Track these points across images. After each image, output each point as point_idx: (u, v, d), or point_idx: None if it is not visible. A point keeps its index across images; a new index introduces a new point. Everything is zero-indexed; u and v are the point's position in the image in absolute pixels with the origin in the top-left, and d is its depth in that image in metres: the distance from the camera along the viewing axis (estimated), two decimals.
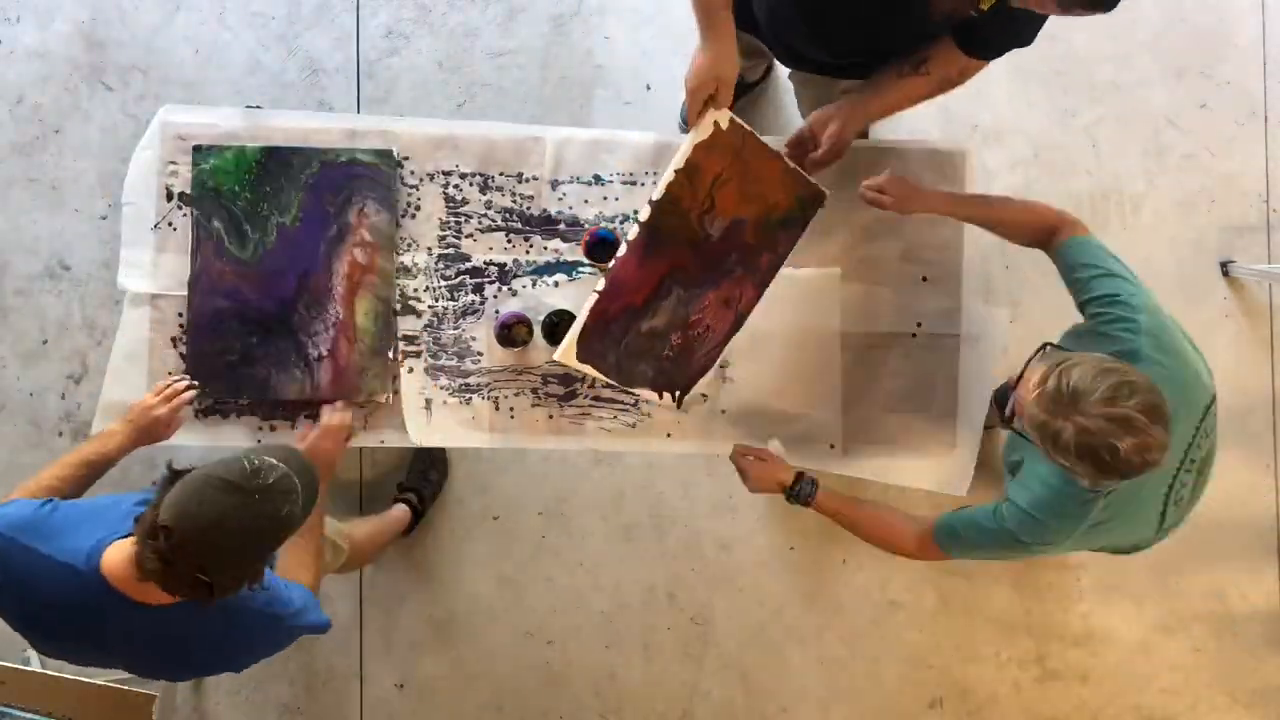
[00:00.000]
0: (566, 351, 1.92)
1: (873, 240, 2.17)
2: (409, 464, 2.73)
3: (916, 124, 2.86)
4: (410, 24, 2.88)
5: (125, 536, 1.63)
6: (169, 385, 2.04)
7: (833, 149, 1.98)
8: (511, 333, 2.09)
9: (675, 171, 1.91)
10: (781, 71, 2.72)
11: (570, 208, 2.17)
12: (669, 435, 2.17)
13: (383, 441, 2.17)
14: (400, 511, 2.65)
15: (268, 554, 1.61)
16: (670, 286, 1.98)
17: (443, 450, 2.73)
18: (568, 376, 2.15)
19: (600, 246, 2.09)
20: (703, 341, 2.04)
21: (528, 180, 2.17)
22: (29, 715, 2.07)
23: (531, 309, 2.14)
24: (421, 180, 2.17)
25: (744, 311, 2.06)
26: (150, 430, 1.99)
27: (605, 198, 2.17)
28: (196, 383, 2.08)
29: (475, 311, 2.17)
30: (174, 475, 1.55)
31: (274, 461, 1.53)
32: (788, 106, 2.79)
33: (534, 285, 2.16)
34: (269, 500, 1.50)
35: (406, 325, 2.16)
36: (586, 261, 2.15)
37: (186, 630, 1.67)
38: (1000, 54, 1.89)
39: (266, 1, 2.88)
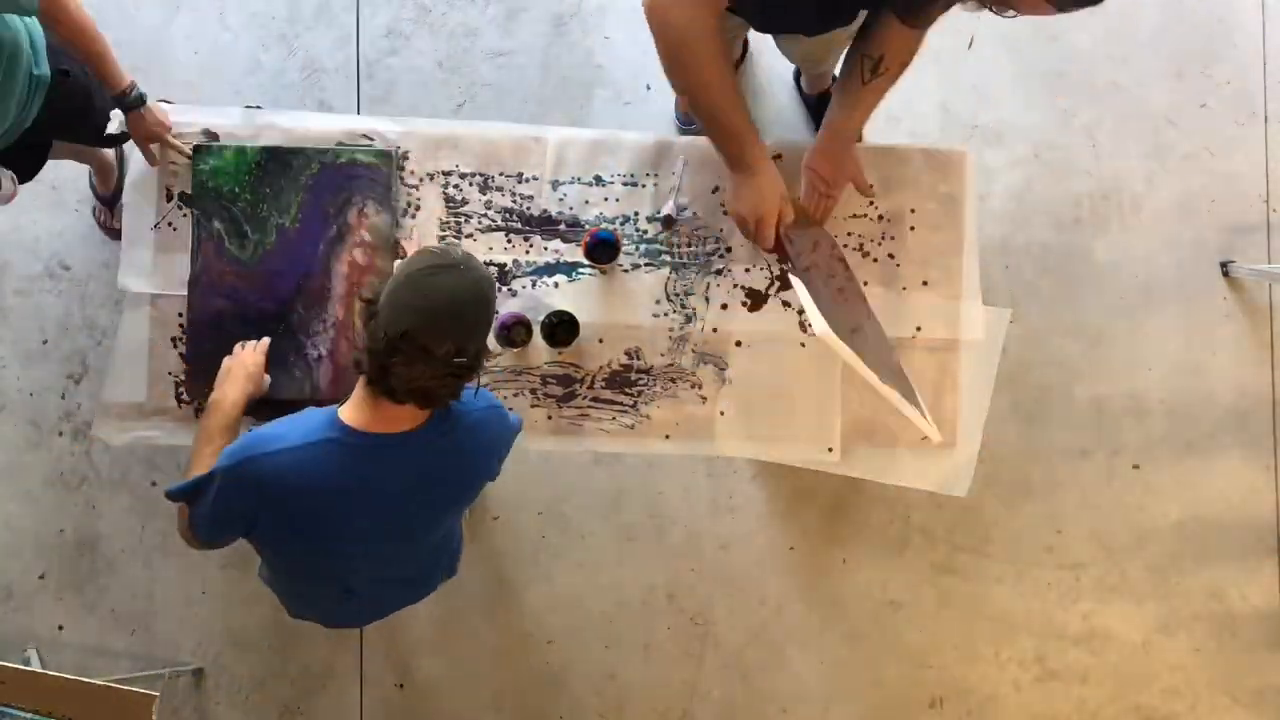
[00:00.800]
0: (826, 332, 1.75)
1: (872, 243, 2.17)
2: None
3: (916, 124, 2.87)
4: (410, 24, 2.88)
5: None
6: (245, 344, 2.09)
7: (845, 185, 2.04)
8: (511, 333, 2.09)
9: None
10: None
11: (570, 208, 2.17)
12: (668, 437, 2.17)
13: None
14: None
15: (491, 318, 1.67)
16: None
17: None
18: (567, 377, 2.16)
19: (601, 247, 2.09)
20: None
21: (528, 180, 2.17)
22: (29, 715, 2.07)
23: (531, 309, 2.14)
24: (421, 180, 2.17)
25: None
26: (257, 378, 2.02)
27: (606, 198, 2.17)
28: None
29: None
30: (369, 302, 1.64)
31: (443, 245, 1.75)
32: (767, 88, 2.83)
33: (534, 286, 2.16)
34: (472, 267, 1.62)
35: None
36: (586, 262, 2.15)
37: (442, 445, 1.74)
38: (934, 20, 1.82)
39: (266, 1, 2.88)
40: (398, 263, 1.68)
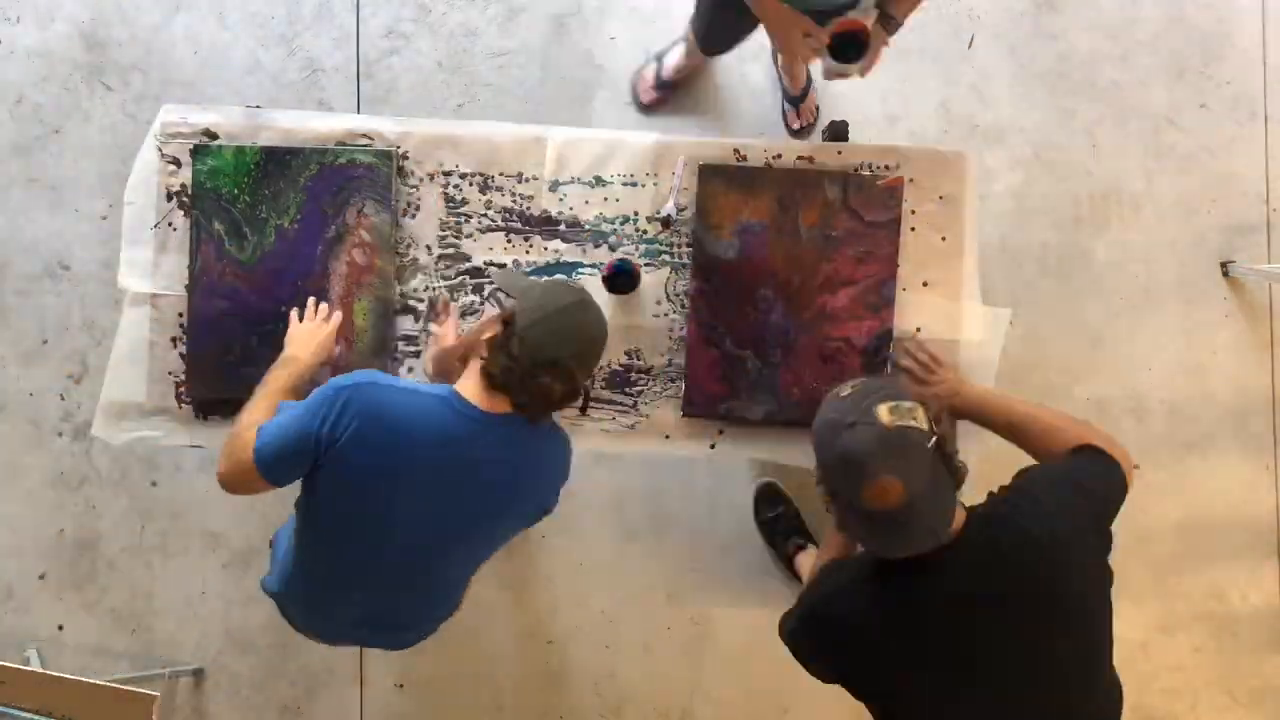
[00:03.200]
0: None
1: None
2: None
3: (916, 124, 2.87)
4: (410, 24, 2.88)
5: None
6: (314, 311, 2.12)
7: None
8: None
9: None
10: None
11: (571, 208, 2.17)
12: (668, 437, 2.17)
13: None
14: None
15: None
16: None
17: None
18: None
19: (619, 278, 2.08)
20: None
21: (528, 180, 2.17)
22: (29, 715, 2.08)
23: None
24: (421, 180, 2.17)
25: None
26: (330, 347, 2.07)
27: (606, 199, 2.17)
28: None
29: (475, 312, 2.17)
30: (507, 322, 1.77)
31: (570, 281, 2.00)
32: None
33: None
34: (598, 314, 1.81)
35: (405, 325, 2.16)
36: (586, 262, 2.15)
37: (527, 442, 1.83)
38: None
39: (266, 1, 2.88)
40: (527, 287, 1.84)
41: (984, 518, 1.64)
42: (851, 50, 1.92)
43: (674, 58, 2.77)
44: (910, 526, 1.55)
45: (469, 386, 1.80)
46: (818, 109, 2.84)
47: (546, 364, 1.73)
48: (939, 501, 1.57)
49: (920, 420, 1.54)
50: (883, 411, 1.53)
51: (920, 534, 1.57)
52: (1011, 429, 1.93)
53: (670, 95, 2.83)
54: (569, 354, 1.75)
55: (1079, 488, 1.72)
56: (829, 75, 2.00)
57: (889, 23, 1.96)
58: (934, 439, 1.54)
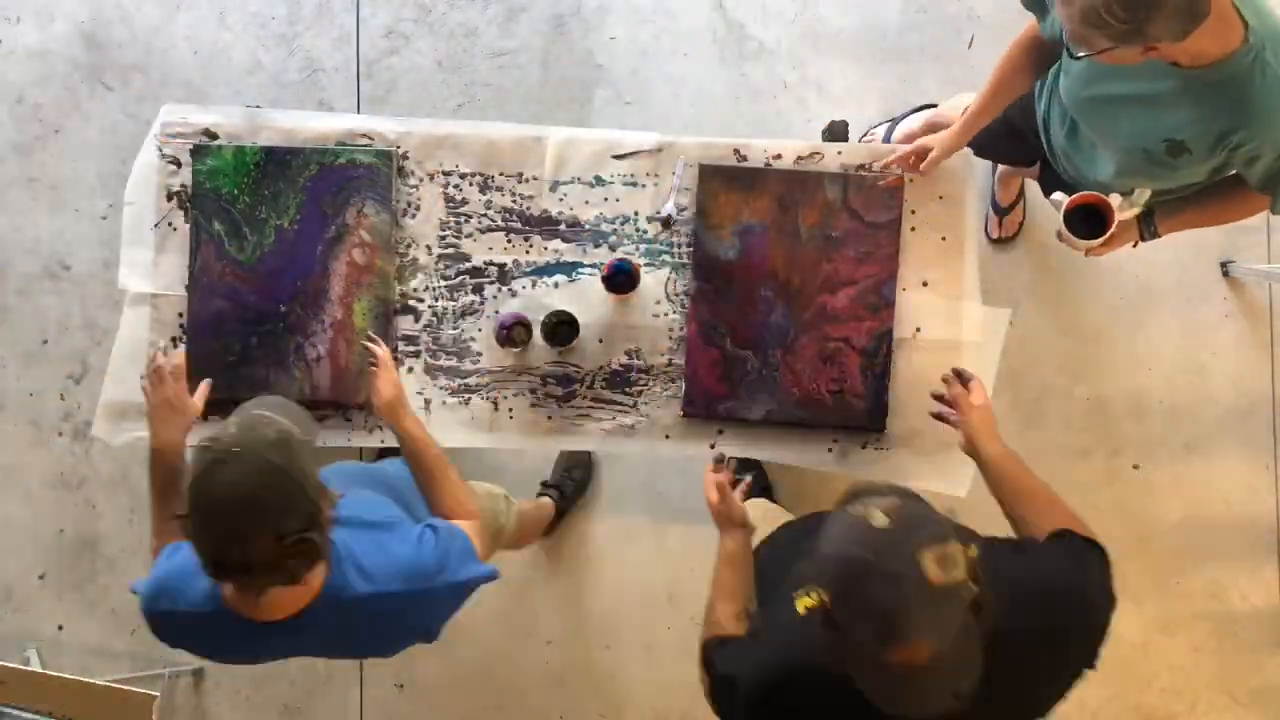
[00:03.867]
0: None
1: None
2: (555, 463, 2.74)
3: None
4: (410, 24, 2.88)
5: None
6: (151, 366, 1.91)
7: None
8: (511, 334, 2.09)
9: None
10: None
11: (571, 208, 2.17)
12: (667, 437, 2.17)
13: (383, 441, 2.17)
14: (548, 502, 2.66)
15: (301, 491, 1.44)
16: None
17: (587, 452, 2.73)
18: (567, 377, 2.16)
19: (618, 277, 2.08)
20: None
21: (528, 180, 2.17)
22: (29, 715, 2.08)
23: (531, 309, 2.14)
24: (421, 180, 2.17)
25: None
26: (184, 407, 1.86)
27: (606, 198, 2.17)
28: (163, 346, 2.04)
29: (475, 311, 2.17)
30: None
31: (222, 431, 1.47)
32: None
33: (534, 286, 2.16)
34: (251, 453, 1.42)
35: (405, 325, 2.16)
36: (586, 262, 2.15)
37: (330, 629, 1.59)
38: None
39: (266, 1, 2.88)
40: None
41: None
42: (1082, 225, 1.89)
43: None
44: (929, 687, 1.32)
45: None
46: (1021, 225, 2.77)
47: (208, 554, 1.42)
48: (965, 657, 1.33)
49: (962, 568, 1.31)
50: (929, 563, 1.28)
51: (938, 696, 1.32)
52: (1017, 496, 1.81)
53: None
54: (212, 537, 1.41)
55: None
56: (1060, 236, 1.97)
57: (1146, 228, 1.94)
58: (974, 594, 1.32)
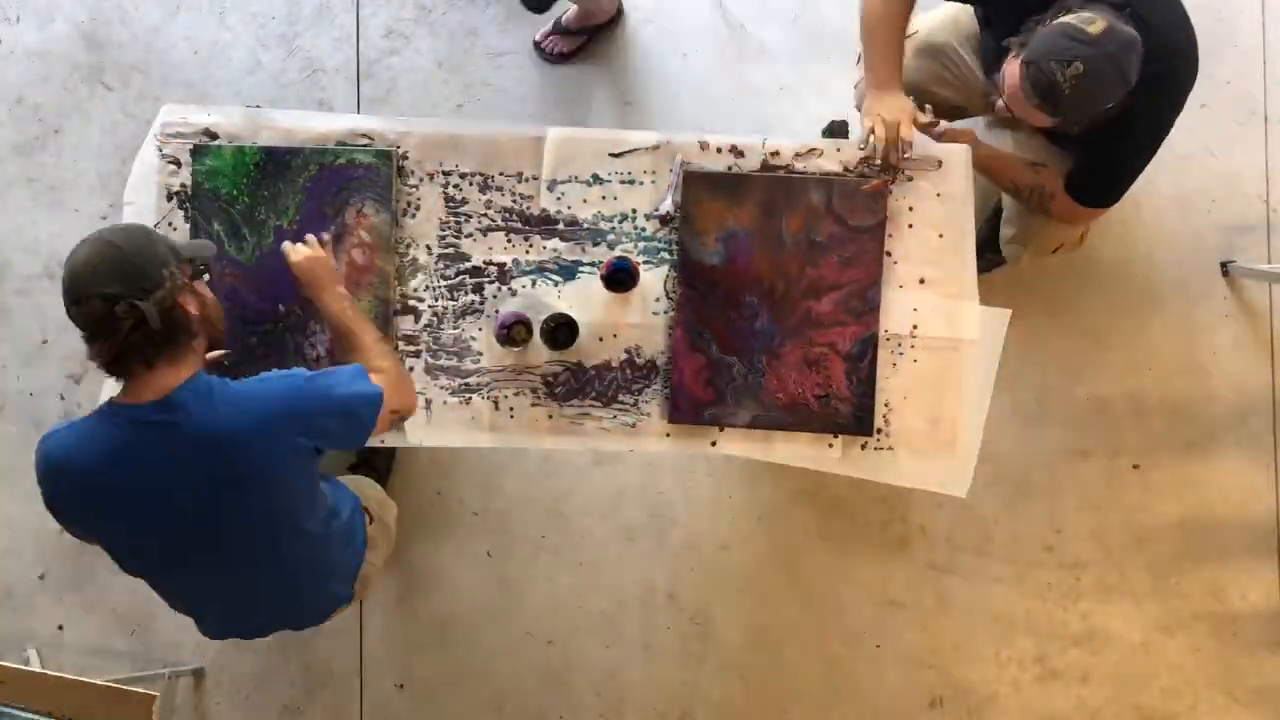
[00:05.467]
0: None
1: None
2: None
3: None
4: (410, 24, 2.89)
5: None
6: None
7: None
8: (511, 333, 2.09)
9: None
10: None
11: (569, 207, 2.17)
12: (668, 436, 2.17)
13: (382, 441, 2.17)
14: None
15: (148, 257, 1.69)
16: None
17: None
18: (568, 376, 2.15)
19: (618, 275, 2.08)
20: None
21: (527, 180, 2.17)
22: (29, 715, 2.08)
23: (531, 308, 2.14)
24: (421, 180, 2.17)
25: None
26: (318, 270, 2.02)
27: (604, 196, 2.17)
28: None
29: (475, 311, 2.17)
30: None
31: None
32: None
33: (534, 285, 2.16)
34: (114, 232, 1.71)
35: (405, 325, 2.16)
36: (585, 261, 2.15)
37: (196, 425, 1.70)
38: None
39: (266, 1, 2.88)
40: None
41: None
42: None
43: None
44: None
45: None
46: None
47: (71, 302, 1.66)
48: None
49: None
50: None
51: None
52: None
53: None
54: (66, 301, 1.66)
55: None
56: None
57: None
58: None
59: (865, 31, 2.17)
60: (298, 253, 2.01)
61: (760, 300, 2.13)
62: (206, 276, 1.90)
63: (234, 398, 1.74)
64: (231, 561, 1.84)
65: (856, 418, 2.13)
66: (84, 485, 1.75)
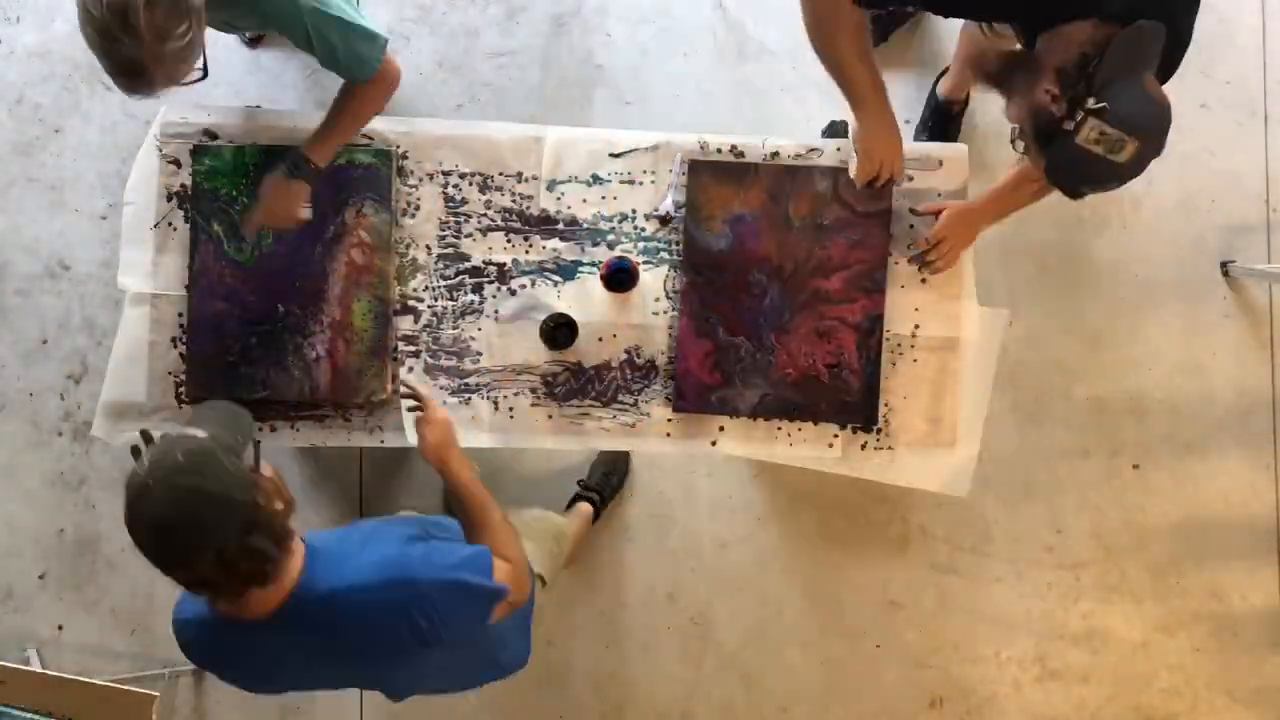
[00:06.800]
0: None
1: None
2: (591, 465, 2.77)
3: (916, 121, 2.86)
4: (410, 24, 2.88)
5: None
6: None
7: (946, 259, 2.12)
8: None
9: None
10: None
11: (568, 207, 2.17)
12: (668, 435, 2.17)
13: (382, 441, 2.17)
14: (586, 509, 2.70)
15: (235, 507, 1.43)
16: None
17: (626, 453, 2.77)
18: (568, 376, 2.15)
19: (618, 275, 2.08)
20: None
21: (527, 180, 2.17)
22: (29, 715, 2.08)
23: (531, 308, 2.14)
24: (421, 180, 2.17)
25: None
26: (450, 435, 1.86)
27: (604, 197, 2.17)
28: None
29: (474, 311, 2.17)
30: None
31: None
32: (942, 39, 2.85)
33: (533, 285, 2.16)
34: (168, 484, 1.41)
35: (405, 325, 2.16)
36: (585, 261, 2.15)
37: (311, 634, 1.58)
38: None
39: None
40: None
41: None
42: None
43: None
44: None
45: None
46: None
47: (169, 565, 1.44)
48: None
49: None
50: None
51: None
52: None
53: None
54: (152, 559, 1.43)
55: None
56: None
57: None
58: None
59: (818, 55, 1.98)
60: (436, 412, 1.84)
61: (769, 278, 2.14)
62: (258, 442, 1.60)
63: (339, 600, 1.57)
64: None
65: (865, 396, 2.13)
66: (247, 686, 1.74)
